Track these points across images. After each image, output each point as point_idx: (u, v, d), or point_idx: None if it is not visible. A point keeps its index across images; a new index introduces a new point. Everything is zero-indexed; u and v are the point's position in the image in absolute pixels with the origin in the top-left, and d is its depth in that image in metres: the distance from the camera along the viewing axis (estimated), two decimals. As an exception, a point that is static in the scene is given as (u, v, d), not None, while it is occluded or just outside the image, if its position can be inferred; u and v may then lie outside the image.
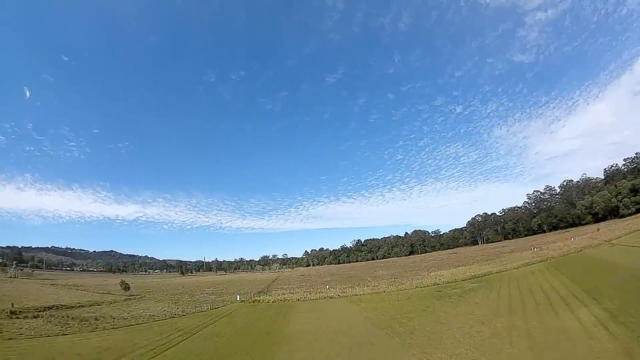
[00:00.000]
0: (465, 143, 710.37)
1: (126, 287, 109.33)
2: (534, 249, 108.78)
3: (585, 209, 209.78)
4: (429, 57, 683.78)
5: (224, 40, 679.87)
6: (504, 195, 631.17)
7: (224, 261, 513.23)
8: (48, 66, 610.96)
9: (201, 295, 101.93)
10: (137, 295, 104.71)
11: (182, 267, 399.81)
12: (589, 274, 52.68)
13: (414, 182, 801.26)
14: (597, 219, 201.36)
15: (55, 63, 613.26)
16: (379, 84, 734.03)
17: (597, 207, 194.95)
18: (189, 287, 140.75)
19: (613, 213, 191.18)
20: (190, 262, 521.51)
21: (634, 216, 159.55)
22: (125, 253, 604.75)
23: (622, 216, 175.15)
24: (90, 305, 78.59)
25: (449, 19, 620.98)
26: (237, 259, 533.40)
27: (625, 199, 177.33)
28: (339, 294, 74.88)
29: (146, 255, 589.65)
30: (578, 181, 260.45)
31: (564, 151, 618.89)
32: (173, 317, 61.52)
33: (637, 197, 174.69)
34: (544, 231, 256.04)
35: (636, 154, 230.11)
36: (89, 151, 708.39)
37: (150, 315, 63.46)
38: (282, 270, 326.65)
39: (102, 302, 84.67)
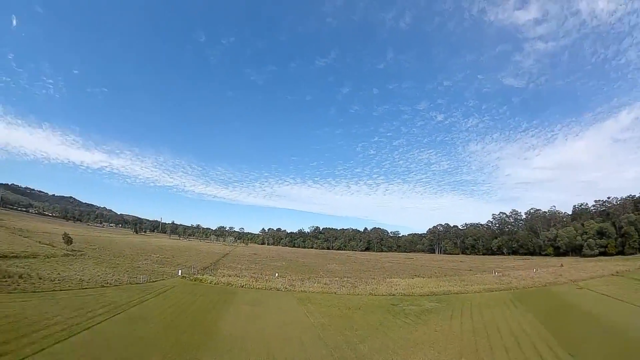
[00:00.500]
0: (440, 151, 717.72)
1: (68, 241, 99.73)
2: (495, 272, 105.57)
3: (548, 240, 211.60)
4: (421, 61, 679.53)
5: (221, 3, 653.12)
6: (467, 210, 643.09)
7: (180, 225, 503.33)
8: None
9: (144, 262, 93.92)
10: (79, 251, 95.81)
11: (137, 225, 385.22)
12: (560, 319, 47.77)
13: (382, 179, 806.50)
14: (559, 252, 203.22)
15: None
16: (366, 77, 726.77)
17: (561, 242, 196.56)
18: (136, 249, 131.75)
19: (575, 251, 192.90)
20: (148, 220, 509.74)
21: (596, 258, 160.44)
22: (84, 201, 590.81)
23: (585, 255, 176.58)
24: (25, 257, 71.21)
25: (450, 28, 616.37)
26: (194, 224, 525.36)
27: (590, 239, 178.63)
28: (287, 286, 68.25)
29: (104, 207, 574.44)
30: (545, 212, 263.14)
31: (534, 179, 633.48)
32: (104, 286, 53.72)
33: (602, 240, 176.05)
34: (503, 253, 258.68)
35: (608, 198, 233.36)
36: (65, 91, 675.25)
37: (80, 279, 55.63)
38: (235, 244, 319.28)
39: (39, 255, 76.80)
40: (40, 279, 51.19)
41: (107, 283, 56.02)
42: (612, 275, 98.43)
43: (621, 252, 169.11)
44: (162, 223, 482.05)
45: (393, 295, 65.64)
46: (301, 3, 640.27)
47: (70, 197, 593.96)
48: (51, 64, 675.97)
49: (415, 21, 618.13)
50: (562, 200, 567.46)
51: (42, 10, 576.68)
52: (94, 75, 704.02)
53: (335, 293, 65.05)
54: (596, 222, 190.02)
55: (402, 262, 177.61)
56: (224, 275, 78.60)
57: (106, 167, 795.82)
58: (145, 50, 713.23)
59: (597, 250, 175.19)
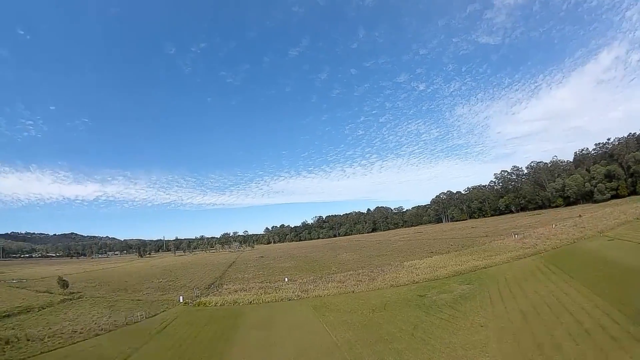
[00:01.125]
0: (427, 120, 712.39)
1: (64, 285, 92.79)
2: (515, 235, 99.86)
3: (556, 191, 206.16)
4: (394, 34, 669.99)
5: (184, 12, 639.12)
6: (466, 174, 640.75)
7: (184, 240, 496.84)
8: (3, 40, 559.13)
9: (146, 292, 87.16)
10: (77, 292, 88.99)
11: (141, 249, 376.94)
12: (612, 283, 41.49)
13: (375, 157, 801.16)
14: (569, 202, 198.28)
15: (11, 37, 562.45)
16: (342, 59, 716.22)
17: (569, 191, 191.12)
18: (139, 276, 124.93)
19: (586, 198, 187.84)
20: (152, 241, 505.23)
21: (610, 202, 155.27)
22: (86, 235, 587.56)
23: (596, 201, 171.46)
24: (19, 314, 65.01)
25: None
26: (198, 236, 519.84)
27: (599, 184, 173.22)
28: (300, 293, 62.07)
29: (107, 236, 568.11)
30: (547, 163, 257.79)
31: (525, 132, 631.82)
32: (97, 335, 47.49)
33: (612, 183, 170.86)
34: (512, 212, 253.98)
35: (608, 139, 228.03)
36: (46, 129, 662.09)
37: (73, 330, 49.35)
38: (242, 249, 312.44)
39: (33, 308, 69.78)
40: (28, 340, 45.08)
41: (102, 329, 49.55)
42: (638, 219, 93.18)
43: (633, 192, 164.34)
44: (166, 241, 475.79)
45: (416, 282, 59.59)
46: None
47: (72, 233, 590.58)
48: (26, 104, 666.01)
49: None
50: (552, 148, 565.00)
51: (7, 53, 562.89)
52: (71, 108, 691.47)
53: (354, 292, 58.90)
54: (602, 166, 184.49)
55: (413, 238, 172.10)
56: (229, 292, 72.33)
57: (101, 196, 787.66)
58: (117, 73, 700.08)
59: (609, 194, 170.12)
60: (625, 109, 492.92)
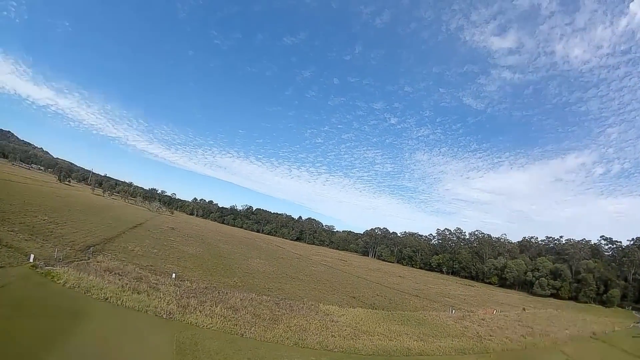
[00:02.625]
0: (386, 154, 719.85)
1: None
2: (452, 310, 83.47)
3: (495, 269, 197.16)
4: (388, 62, 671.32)
5: None
6: (402, 215, 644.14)
7: (113, 180, 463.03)
8: None
9: (17, 227, 63.74)
10: None
11: (62, 173, 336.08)
12: None
13: (324, 169, 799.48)
14: (505, 284, 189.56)
15: None
16: (330, 65, 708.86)
17: (509, 274, 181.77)
18: (32, 204, 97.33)
19: (523, 286, 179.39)
20: (83, 169, 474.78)
21: (549, 300, 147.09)
22: (22, 139, 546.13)
23: (535, 294, 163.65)
24: None
25: (424, 36, 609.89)
26: (128, 181, 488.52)
27: (542, 278, 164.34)
28: (173, 308, 41.87)
29: (41, 148, 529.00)
30: (492, 237, 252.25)
31: (472, 199, 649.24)
32: None
33: (556, 281, 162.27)
34: (442, 272, 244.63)
35: (560, 236, 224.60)
36: (26, 17, 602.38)
37: None
38: (160, 211, 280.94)
39: None
40: None
41: None
42: (592, 337, 80.00)
43: (574, 298, 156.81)
44: (93, 174, 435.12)
45: (329, 350, 40.69)
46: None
47: (9, 131, 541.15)
48: None
49: (392, 21, 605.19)
50: (491, 222, 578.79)
51: None
52: (58, 6, 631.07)
53: (242, 336, 39.31)
54: (549, 261, 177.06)
55: (335, 265, 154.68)
56: (97, 270, 50.74)
57: (52, 105, 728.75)
58: None
59: (549, 291, 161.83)
60: (573, 212, 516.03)
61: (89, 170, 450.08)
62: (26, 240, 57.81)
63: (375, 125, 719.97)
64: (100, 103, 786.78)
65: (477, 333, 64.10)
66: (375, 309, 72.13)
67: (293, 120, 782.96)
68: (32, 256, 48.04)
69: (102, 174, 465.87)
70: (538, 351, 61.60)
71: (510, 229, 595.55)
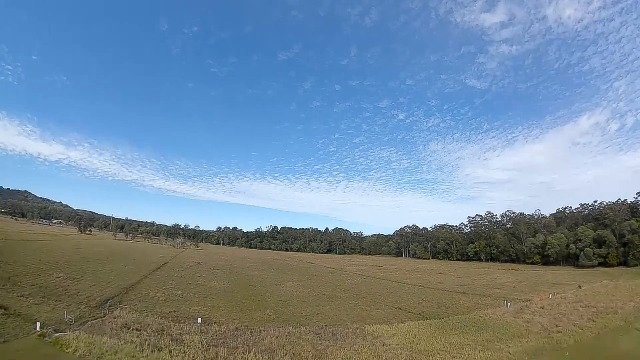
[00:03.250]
0: (400, 150, 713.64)
1: None
2: (508, 304, 78.39)
3: (535, 247, 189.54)
4: (385, 58, 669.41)
5: None
6: (427, 209, 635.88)
7: (136, 221, 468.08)
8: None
9: (29, 291, 60.21)
10: None
11: (82, 224, 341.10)
12: None
13: (342, 176, 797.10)
14: (548, 261, 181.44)
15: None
16: (328, 73, 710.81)
17: (551, 250, 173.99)
18: (48, 261, 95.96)
19: (568, 260, 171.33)
20: (104, 216, 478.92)
21: (598, 270, 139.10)
22: (39, 196, 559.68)
23: (581, 266, 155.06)
24: None
25: (416, 27, 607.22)
26: (150, 220, 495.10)
27: (587, 248, 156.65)
28: None
29: (60, 202, 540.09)
30: (525, 215, 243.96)
31: (493, 179, 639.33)
32: None
33: (601, 249, 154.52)
34: (480, 259, 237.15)
35: (594, 201, 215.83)
36: (24, 78, 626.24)
37: None
38: (184, 246, 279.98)
39: None
40: None
41: None
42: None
43: (624, 263, 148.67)
44: (114, 219, 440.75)
45: None
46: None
47: (26, 191, 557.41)
48: (10, 48, 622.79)
49: (381, 18, 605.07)
50: (516, 199, 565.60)
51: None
52: (54, 63, 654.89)
53: None
54: (590, 229, 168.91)
55: (371, 272, 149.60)
56: (114, 327, 46.55)
57: (64, 159, 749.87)
58: (106, 38, 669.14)
59: (596, 261, 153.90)
60: (595, 173, 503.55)
61: (110, 216, 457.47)
62: (37, 304, 54.17)
63: (384, 123, 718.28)
64: (111, 149, 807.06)
65: (543, 326, 58.88)
66: (426, 318, 67.53)
67: (302, 133, 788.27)
68: (38, 324, 44.57)
69: (124, 218, 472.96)
70: (612, 334, 56.10)
71: (536, 203, 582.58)
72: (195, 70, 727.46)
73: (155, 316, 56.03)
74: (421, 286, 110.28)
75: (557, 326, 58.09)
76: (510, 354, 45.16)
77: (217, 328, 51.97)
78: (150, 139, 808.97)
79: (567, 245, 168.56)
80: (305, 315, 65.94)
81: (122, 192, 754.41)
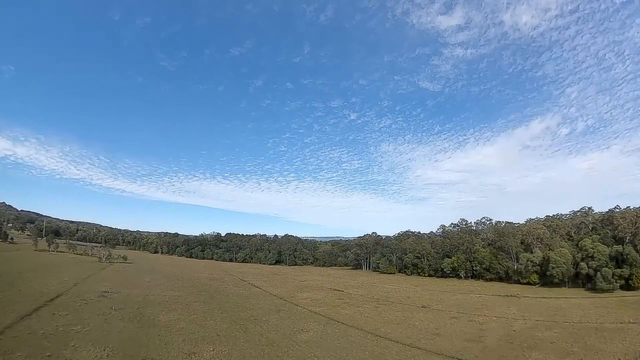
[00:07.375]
0: (351, 150, 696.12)
1: None
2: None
3: (533, 265, 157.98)
4: (338, 57, 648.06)
5: None
6: (378, 209, 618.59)
7: (73, 222, 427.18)
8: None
9: None
10: None
11: (2, 229, 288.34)
12: None
13: (293, 176, 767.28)
14: (547, 282, 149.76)
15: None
16: (281, 70, 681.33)
17: (555, 270, 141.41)
18: None
19: (575, 282, 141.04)
20: (50, 217, 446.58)
21: (619, 294, 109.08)
22: None
23: (599, 290, 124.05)
24: None
25: (371, 26, 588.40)
26: (93, 222, 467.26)
27: (605, 268, 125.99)
28: None
29: (4, 202, 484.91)
30: (513, 223, 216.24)
31: (444, 181, 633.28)
32: None
33: (623, 270, 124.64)
34: (459, 276, 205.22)
35: (589, 208, 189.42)
36: None
37: None
38: (109, 258, 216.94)
39: None
40: None
41: None
42: None
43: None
44: (46, 224, 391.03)
45: None
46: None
47: None
48: None
49: (337, 16, 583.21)
50: (467, 200, 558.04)
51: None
52: (0, 51, 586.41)
53: None
54: (605, 244, 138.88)
55: (333, 307, 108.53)
56: None
57: (10, 155, 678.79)
58: (57, 26, 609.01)
59: (617, 284, 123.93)
60: (544, 176, 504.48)
61: (56, 219, 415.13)
62: None
63: (335, 123, 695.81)
64: (59, 145, 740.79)
65: None
66: None
67: (253, 132, 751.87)
68: None
69: (67, 220, 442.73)
70: None
71: (487, 203, 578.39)
72: (145, 64, 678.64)
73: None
74: (412, 346, 70.56)
75: None
76: None
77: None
78: (99, 135, 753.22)
79: (576, 264, 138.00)
80: None
81: (69, 191, 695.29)
